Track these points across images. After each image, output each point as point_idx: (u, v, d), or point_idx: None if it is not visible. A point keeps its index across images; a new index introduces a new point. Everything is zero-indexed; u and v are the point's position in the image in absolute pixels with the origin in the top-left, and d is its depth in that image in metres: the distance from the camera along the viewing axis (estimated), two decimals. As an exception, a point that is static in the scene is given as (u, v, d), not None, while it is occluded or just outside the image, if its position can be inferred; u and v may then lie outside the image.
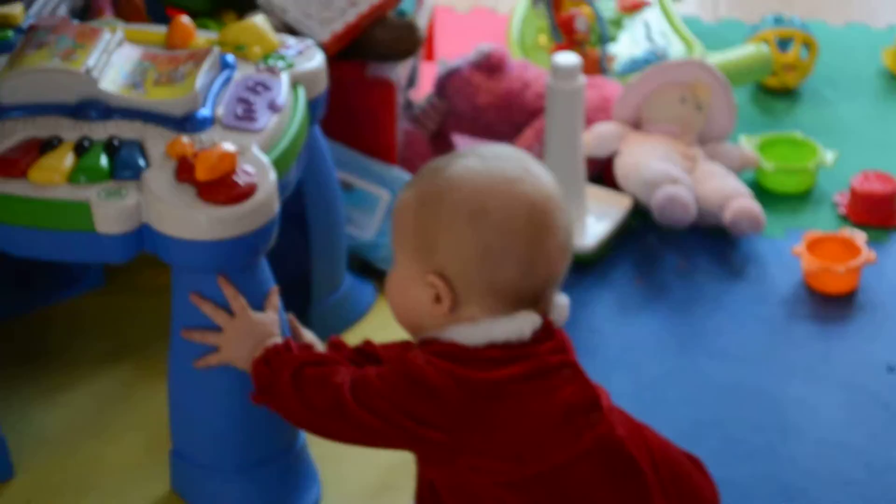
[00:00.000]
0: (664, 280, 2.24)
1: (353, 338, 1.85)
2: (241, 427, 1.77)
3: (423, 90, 2.49)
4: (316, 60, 1.90)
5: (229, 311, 1.70)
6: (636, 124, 2.38)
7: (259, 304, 1.69)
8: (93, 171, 1.68)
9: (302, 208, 1.97)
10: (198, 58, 1.81)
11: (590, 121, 2.33)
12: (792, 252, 2.24)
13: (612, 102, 2.39)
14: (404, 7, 2.24)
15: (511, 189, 1.55)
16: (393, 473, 1.85)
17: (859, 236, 2.23)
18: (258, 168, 1.67)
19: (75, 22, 1.92)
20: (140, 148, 1.72)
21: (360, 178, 2.18)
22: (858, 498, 1.88)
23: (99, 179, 1.68)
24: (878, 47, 2.78)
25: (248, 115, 1.76)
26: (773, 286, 2.23)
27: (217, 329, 1.70)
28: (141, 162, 1.70)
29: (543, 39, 2.63)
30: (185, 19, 1.90)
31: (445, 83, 2.42)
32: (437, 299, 1.55)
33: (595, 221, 2.27)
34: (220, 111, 1.76)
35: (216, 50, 1.82)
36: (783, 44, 2.63)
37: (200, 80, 1.76)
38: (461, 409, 1.53)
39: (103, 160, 1.69)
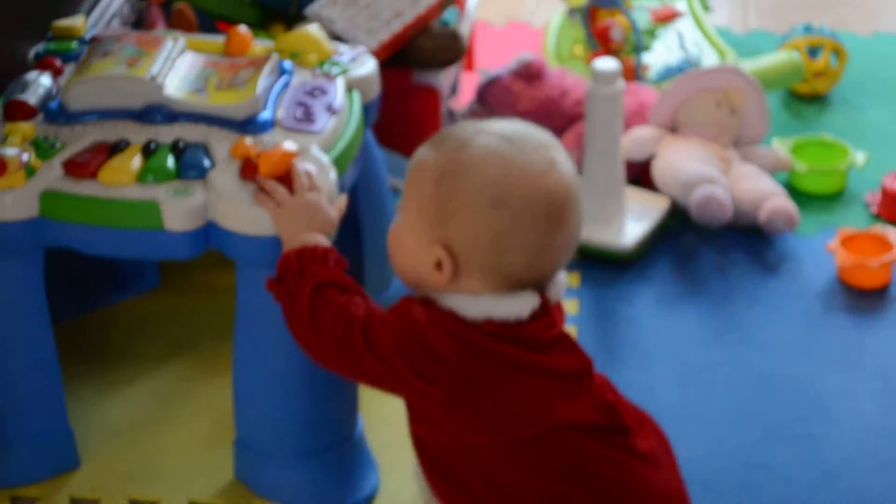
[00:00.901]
0: (702, 276, 2.27)
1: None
2: (304, 416, 1.80)
3: (464, 99, 2.53)
4: (369, 66, 1.95)
5: None
6: (672, 128, 2.41)
7: None
8: (160, 171, 1.73)
9: (355, 209, 2.00)
10: (257, 64, 1.86)
11: (627, 126, 2.36)
12: (826, 249, 2.26)
13: (649, 108, 2.42)
14: (447, 17, 2.28)
15: (535, 182, 1.54)
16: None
17: (892, 233, 2.25)
18: (318, 167, 1.73)
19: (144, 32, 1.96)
20: (205, 149, 1.77)
21: (407, 181, 2.23)
22: (892, 481, 1.90)
23: (166, 179, 1.73)
24: (904, 55, 2.82)
25: (307, 117, 1.81)
26: (808, 281, 2.25)
27: None
28: (206, 162, 1.75)
29: (579, 49, 2.66)
30: (242, 28, 1.94)
31: (486, 91, 2.45)
32: (438, 267, 1.55)
33: (634, 221, 2.30)
34: (280, 114, 1.81)
35: (275, 56, 1.88)
36: (813, 51, 2.66)
37: (261, 84, 1.81)
38: (462, 369, 1.53)
39: (170, 161, 1.75)
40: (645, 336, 2.15)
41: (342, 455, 1.85)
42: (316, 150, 1.74)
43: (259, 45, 1.96)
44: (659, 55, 2.63)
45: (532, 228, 1.54)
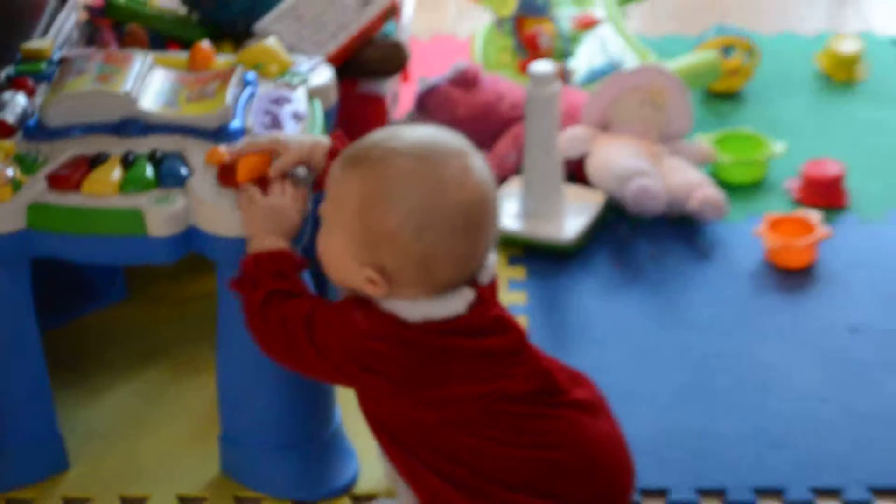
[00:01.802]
0: (639, 264, 2.31)
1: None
2: (286, 409, 1.84)
3: (404, 108, 2.56)
4: (326, 75, 1.99)
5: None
6: (603, 127, 2.45)
7: None
8: (141, 181, 1.77)
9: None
10: (223, 76, 1.91)
11: (560, 127, 2.40)
12: (753, 233, 2.31)
13: (579, 109, 2.46)
14: (387, 29, 2.31)
15: (453, 199, 1.56)
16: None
17: (814, 215, 2.30)
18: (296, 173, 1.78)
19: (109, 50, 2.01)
20: (181, 158, 1.80)
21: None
22: (835, 443, 1.94)
23: (147, 188, 1.76)
24: (810, 52, 2.85)
25: (276, 124, 1.85)
26: (739, 265, 2.29)
27: None
28: (183, 171, 1.78)
29: (506, 57, 2.69)
30: (205, 44, 1.99)
31: (425, 99, 2.48)
32: (371, 283, 1.58)
33: (573, 216, 2.33)
34: (250, 122, 1.85)
35: (239, 68, 1.92)
36: (727, 51, 2.71)
37: (229, 95, 1.86)
38: (405, 365, 1.57)
39: (149, 171, 1.78)
40: (591, 322, 2.19)
41: (322, 445, 1.89)
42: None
43: (220, 59, 2.00)
44: (583, 59, 2.66)
45: (455, 242, 1.57)
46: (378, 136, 1.61)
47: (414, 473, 1.65)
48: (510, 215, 2.36)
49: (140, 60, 1.94)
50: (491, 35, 2.77)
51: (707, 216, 2.36)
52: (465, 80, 2.49)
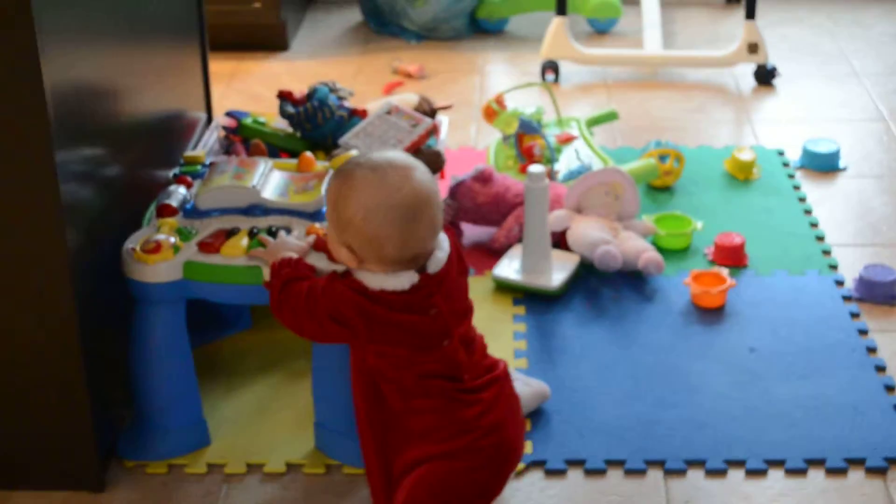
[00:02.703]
0: (604, 305, 2.30)
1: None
2: None
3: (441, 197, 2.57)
4: None
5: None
6: (578, 210, 2.45)
7: None
8: (261, 247, 1.79)
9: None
10: (320, 176, 1.93)
11: (548, 209, 2.38)
12: (683, 283, 2.30)
13: (562, 197, 2.46)
14: (430, 142, 2.30)
15: (393, 196, 1.53)
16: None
17: (724, 271, 2.30)
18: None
19: (242, 157, 2.03)
20: (289, 232, 1.82)
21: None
22: (740, 429, 1.94)
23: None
24: (720, 159, 2.83)
25: None
26: (673, 305, 2.28)
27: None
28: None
29: (510, 162, 2.68)
30: (308, 154, 2.01)
31: (455, 190, 2.48)
32: (350, 260, 1.57)
33: (558, 271, 2.32)
34: None
35: (331, 171, 1.93)
36: (663, 158, 2.70)
37: (323, 189, 1.88)
38: (363, 327, 1.55)
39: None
40: (570, 343, 2.18)
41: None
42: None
43: (320, 164, 2.01)
44: (564, 164, 2.67)
45: (394, 228, 1.53)
46: (354, 158, 1.61)
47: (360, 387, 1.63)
48: (514, 270, 2.36)
49: (263, 164, 1.96)
50: (500, 147, 2.77)
51: (651, 272, 2.35)
52: (483, 177, 2.49)
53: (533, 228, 2.31)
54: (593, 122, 2.89)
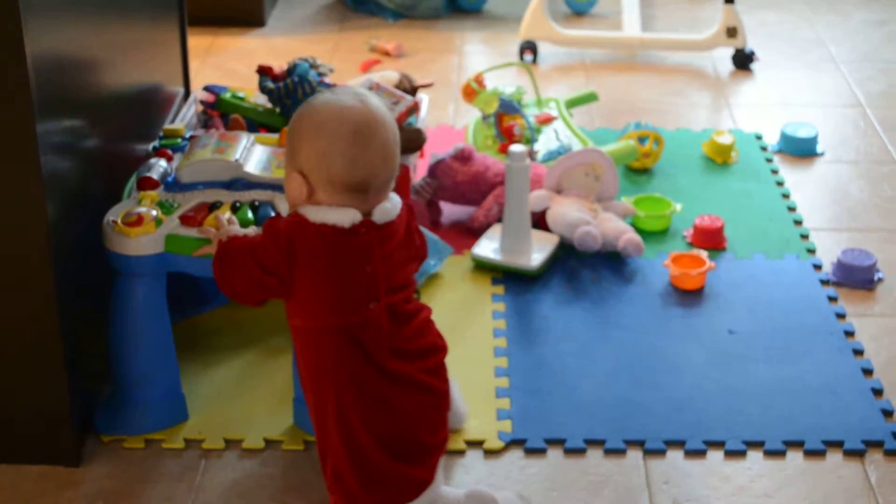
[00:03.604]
0: (583, 285, 2.30)
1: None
2: None
3: (419, 174, 2.54)
4: None
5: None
6: (558, 190, 2.45)
7: None
8: (244, 221, 1.79)
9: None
10: None
11: (528, 190, 2.38)
12: (662, 265, 2.31)
13: (542, 178, 2.46)
14: (411, 120, 2.31)
15: (345, 113, 1.54)
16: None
17: (703, 253, 2.31)
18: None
19: (223, 131, 2.02)
20: (272, 206, 1.82)
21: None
22: (719, 409, 1.95)
23: (248, 225, 1.78)
24: (698, 142, 2.84)
25: None
26: (652, 287, 2.29)
27: None
28: (273, 214, 1.80)
29: (489, 142, 2.68)
30: None
31: (435, 168, 2.47)
32: (300, 189, 1.56)
33: (537, 251, 2.32)
34: None
35: None
36: (642, 140, 2.71)
37: None
38: (285, 264, 1.55)
39: (249, 214, 1.80)
40: (550, 324, 2.18)
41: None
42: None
43: None
44: (543, 144, 2.67)
45: (343, 142, 1.53)
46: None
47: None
48: (493, 250, 2.36)
49: (245, 138, 1.95)
50: (478, 126, 2.77)
51: (630, 253, 2.35)
52: (463, 157, 2.49)
53: (513, 208, 2.31)
54: (573, 102, 2.89)
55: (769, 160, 2.81)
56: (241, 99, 2.35)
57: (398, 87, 2.46)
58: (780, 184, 2.70)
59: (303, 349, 1.62)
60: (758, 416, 1.95)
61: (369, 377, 1.59)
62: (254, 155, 1.92)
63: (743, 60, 3.30)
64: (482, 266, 2.35)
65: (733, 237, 2.47)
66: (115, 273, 1.82)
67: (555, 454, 1.88)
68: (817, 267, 2.37)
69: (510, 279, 2.32)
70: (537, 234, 2.38)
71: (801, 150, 2.83)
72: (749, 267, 2.37)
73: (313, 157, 1.55)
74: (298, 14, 3.69)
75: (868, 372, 2.07)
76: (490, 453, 1.88)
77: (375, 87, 2.28)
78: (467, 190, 2.49)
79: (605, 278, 2.33)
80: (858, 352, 2.12)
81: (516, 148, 2.28)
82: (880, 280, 2.33)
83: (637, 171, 2.73)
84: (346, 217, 1.56)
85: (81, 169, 1.84)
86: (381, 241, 1.58)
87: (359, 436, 1.59)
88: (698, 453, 1.88)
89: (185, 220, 1.81)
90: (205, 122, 2.32)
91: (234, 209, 1.82)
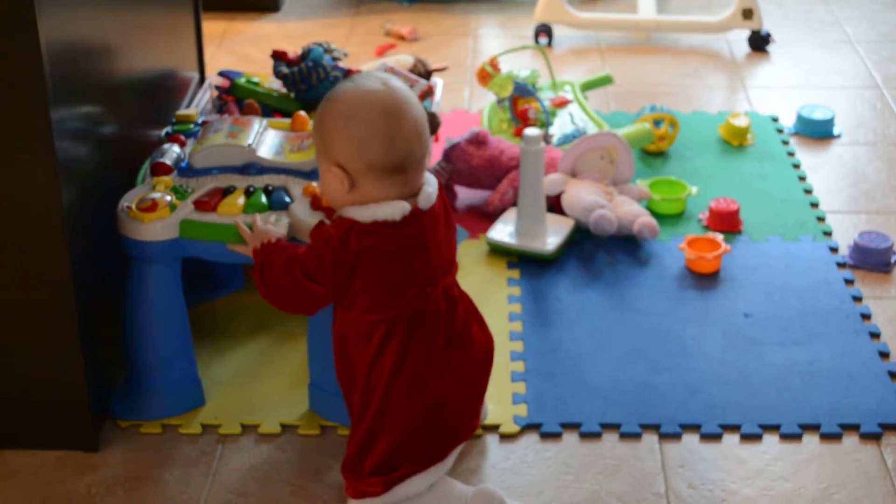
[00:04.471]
0: (598, 269, 2.29)
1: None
2: None
3: (434, 159, 2.53)
4: None
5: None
6: (573, 174, 2.44)
7: None
8: (257, 205, 1.79)
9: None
10: None
11: (544, 173, 2.39)
12: (677, 248, 2.30)
13: (557, 161, 2.45)
14: (425, 104, 2.25)
15: (370, 97, 1.54)
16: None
17: (719, 236, 2.30)
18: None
19: (236, 116, 2.01)
20: (285, 191, 1.82)
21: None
22: (735, 392, 1.94)
23: (262, 210, 1.78)
24: (714, 125, 2.83)
25: None
26: (667, 270, 2.27)
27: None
28: (287, 199, 1.80)
29: (504, 125, 2.67)
30: (303, 113, 1.99)
31: (450, 153, 2.47)
32: (341, 182, 1.56)
33: (553, 235, 2.32)
34: None
35: None
36: (657, 123, 2.70)
37: None
38: (345, 274, 1.55)
39: (263, 199, 1.80)
40: (565, 307, 2.18)
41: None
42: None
43: (312, 123, 1.98)
44: (558, 127, 2.66)
45: (378, 125, 1.53)
46: None
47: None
48: (509, 234, 2.35)
49: (258, 123, 1.94)
50: (494, 110, 2.76)
51: (645, 236, 2.35)
52: (478, 140, 2.48)
53: (528, 192, 2.30)
54: (588, 86, 2.88)
55: (785, 142, 2.79)
56: (256, 84, 2.34)
57: (412, 71, 2.46)
58: (796, 166, 2.68)
59: (357, 341, 1.63)
60: (773, 400, 1.94)
61: (428, 363, 1.61)
62: (266, 139, 1.92)
63: (759, 42, 3.28)
64: (497, 250, 2.35)
65: (749, 220, 2.45)
66: (131, 259, 1.82)
67: (570, 438, 1.88)
68: (833, 250, 2.36)
69: (525, 263, 2.32)
70: (552, 218, 2.37)
71: (817, 132, 2.81)
72: (765, 250, 2.36)
73: (349, 146, 1.54)
74: (313, -2, 3.68)
75: (884, 355, 2.05)
76: (506, 437, 1.87)
77: (390, 72, 2.27)
78: (482, 174, 2.48)
79: (621, 262, 2.32)
80: (875, 335, 2.10)
81: (531, 131, 2.27)
82: (897, 262, 2.32)
83: (652, 154, 2.72)
84: (396, 210, 1.56)
85: (96, 155, 1.84)
86: (432, 225, 1.59)
87: (413, 421, 1.62)
88: (714, 437, 1.87)
89: (200, 205, 1.80)
90: (220, 107, 2.32)
91: (248, 193, 1.82)
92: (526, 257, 2.33)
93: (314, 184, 1.82)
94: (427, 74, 2.47)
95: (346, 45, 3.27)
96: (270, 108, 2.32)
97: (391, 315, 1.60)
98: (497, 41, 3.39)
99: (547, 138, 2.60)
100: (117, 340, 1.89)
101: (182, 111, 2.06)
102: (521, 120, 2.64)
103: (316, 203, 1.78)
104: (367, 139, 1.53)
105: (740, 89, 3.09)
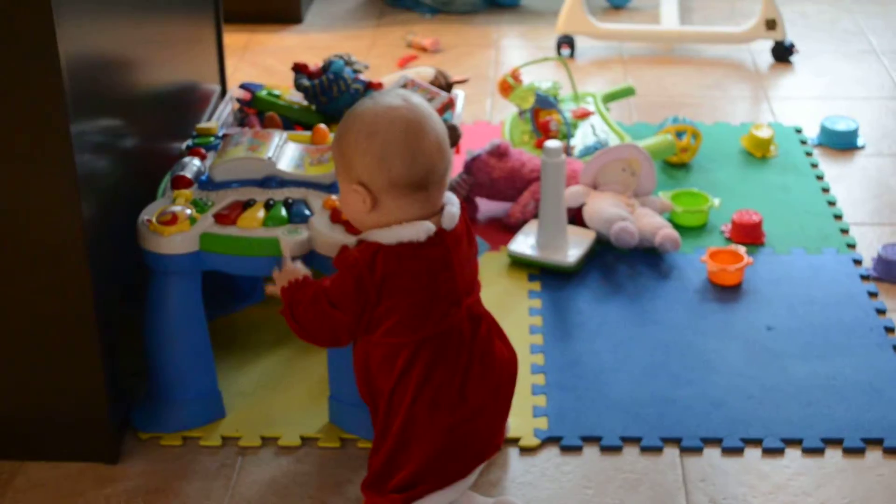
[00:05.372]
0: (620, 281, 2.28)
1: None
2: None
3: (455, 171, 2.53)
4: None
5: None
6: (594, 186, 2.43)
7: None
8: (278, 218, 1.79)
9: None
10: None
11: (565, 185, 2.38)
12: (699, 261, 2.29)
13: (578, 173, 2.44)
14: (446, 116, 2.27)
15: (391, 113, 1.53)
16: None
17: (741, 248, 2.29)
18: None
19: (256, 129, 2.01)
20: (305, 204, 1.82)
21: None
22: (757, 406, 1.93)
23: (282, 224, 1.78)
24: (737, 136, 2.81)
25: None
26: (689, 282, 2.26)
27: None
28: (307, 212, 1.80)
29: (526, 137, 2.67)
30: (323, 126, 1.99)
31: (471, 165, 2.46)
32: (363, 201, 1.55)
33: (574, 247, 2.30)
34: None
35: None
36: (680, 134, 2.68)
37: None
38: (373, 298, 1.54)
39: (283, 212, 1.80)
40: (586, 320, 2.17)
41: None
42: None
43: (332, 136, 1.97)
44: (580, 139, 2.65)
45: (400, 141, 1.52)
46: None
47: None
48: (530, 246, 2.34)
49: (278, 136, 1.95)
50: (515, 122, 2.76)
51: (667, 249, 2.34)
52: (499, 152, 2.47)
53: (549, 204, 2.30)
54: (610, 97, 2.87)
55: (809, 154, 2.77)
56: (277, 97, 2.35)
57: (433, 83, 2.46)
58: (819, 178, 2.66)
59: (381, 362, 1.62)
60: (796, 414, 1.93)
61: (451, 384, 1.61)
62: (286, 153, 1.92)
63: (782, 53, 3.26)
64: (518, 262, 2.34)
65: (772, 232, 2.44)
66: (151, 272, 1.82)
67: (591, 452, 1.87)
68: (857, 262, 2.34)
69: (546, 275, 2.31)
70: (574, 230, 2.36)
71: (841, 143, 2.79)
72: (788, 262, 2.34)
73: (371, 163, 1.54)
74: (336, 10, 3.69)
75: (909, 368, 2.03)
76: (526, 451, 1.86)
77: (410, 84, 2.27)
78: (503, 186, 2.47)
79: (642, 274, 2.31)
80: (899, 348, 2.08)
81: (552, 143, 2.26)
82: (922, 275, 2.29)
83: (674, 165, 2.71)
84: (420, 231, 1.55)
85: (117, 168, 1.84)
86: (455, 245, 1.59)
87: (437, 443, 1.61)
88: (735, 451, 1.86)
89: (220, 218, 1.80)
90: (241, 120, 2.32)
91: (268, 207, 1.82)
92: (547, 269, 2.32)
93: (334, 196, 1.82)
94: (448, 87, 2.46)
95: (368, 57, 3.27)
96: (291, 120, 2.33)
97: (416, 338, 1.59)
98: (519, 52, 3.38)
99: (568, 150, 2.59)
100: (138, 353, 1.89)
101: (202, 124, 2.07)
102: (542, 132, 2.63)
103: (336, 216, 1.77)
104: (388, 155, 1.53)
105: (763, 100, 3.08)
